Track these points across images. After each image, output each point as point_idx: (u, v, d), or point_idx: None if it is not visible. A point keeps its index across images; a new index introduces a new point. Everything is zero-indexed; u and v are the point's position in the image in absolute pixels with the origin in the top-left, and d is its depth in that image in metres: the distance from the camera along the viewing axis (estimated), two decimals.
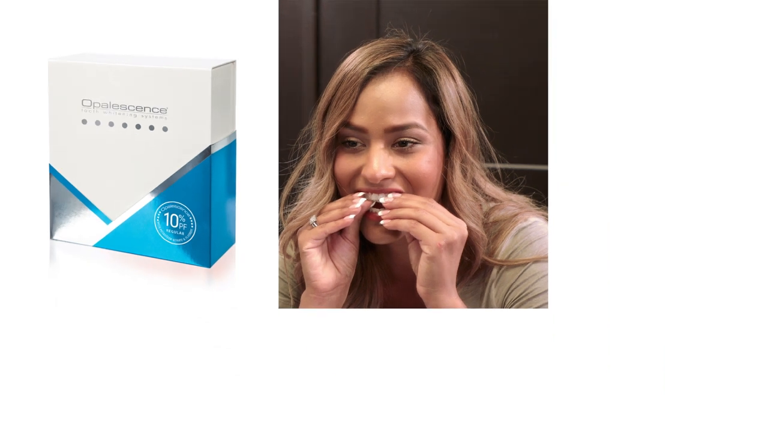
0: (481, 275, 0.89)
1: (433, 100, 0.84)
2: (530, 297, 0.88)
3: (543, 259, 0.88)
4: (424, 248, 0.83)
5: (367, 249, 0.91)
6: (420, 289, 0.85)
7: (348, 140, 0.84)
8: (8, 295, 1.01)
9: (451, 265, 0.85)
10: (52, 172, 1.11)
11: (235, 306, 0.99)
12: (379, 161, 0.82)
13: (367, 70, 0.82)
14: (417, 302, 0.90)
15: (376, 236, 0.87)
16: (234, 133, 1.09)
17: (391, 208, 0.86)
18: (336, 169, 0.85)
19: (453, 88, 0.85)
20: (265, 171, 1.16)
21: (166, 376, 0.91)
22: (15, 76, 1.28)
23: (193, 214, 1.05)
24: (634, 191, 1.19)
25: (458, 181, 0.85)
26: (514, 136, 0.97)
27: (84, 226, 1.11)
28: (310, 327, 0.95)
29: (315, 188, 0.88)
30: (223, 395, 0.89)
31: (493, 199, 0.91)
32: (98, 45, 1.21)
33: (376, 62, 0.83)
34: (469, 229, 0.85)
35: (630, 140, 1.22)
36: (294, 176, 0.90)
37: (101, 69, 1.06)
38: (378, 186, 0.84)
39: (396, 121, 0.82)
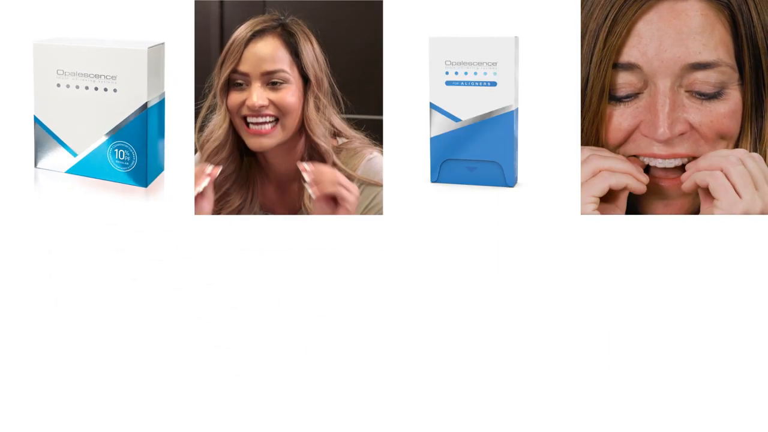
0: None
1: (295, 54, 1.00)
2: (378, 209, 1.04)
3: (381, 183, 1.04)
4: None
5: (250, 156, 1.04)
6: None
7: (236, 82, 1.00)
8: (3, 200, 1.11)
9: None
10: (36, 120, 1.21)
11: (234, 307, 0.97)
12: (257, 95, 0.99)
13: (250, 33, 1.00)
14: (285, 198, 1.05)
15: (254, 145, 1.02)
16: (163, 93, 1.19)
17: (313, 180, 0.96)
18: (228, 102, 1.00)
19: (309, 48, 1.01)
20: (184, 120, 1.22)
21: (115, 258, 0.99)
22: (7, 55, 1.36)
23: (134, 149, 1.15)
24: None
25: (311, 111, 1.01)
26: (357, 93, 1.09)
27: (58, 158, 1.21)
28: (215, 227, 1.01)
29: (216, 118, 1.02)
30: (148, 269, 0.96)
31: (341, 133, 1.05)
32: (67, 31, 1.32)
33: (257, 28, 1.00)
34: (319, 146, 1.01)
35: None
36: (203, 112, 1.05)
37: (71, 48, 1.17)
38: (257, 111, 0.99)
39: (268, 67, 0.99)
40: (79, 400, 0.93)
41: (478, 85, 1.21)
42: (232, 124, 1.02)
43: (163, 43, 1.19)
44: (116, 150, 1.17)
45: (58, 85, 1.19)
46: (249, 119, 1.01)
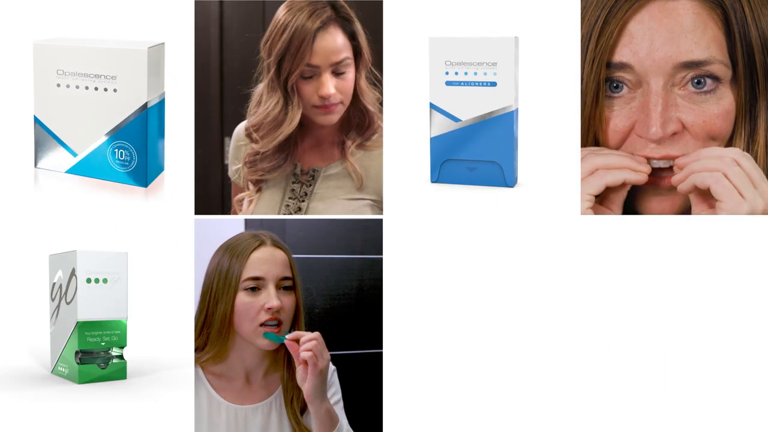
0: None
1: (351, 38, 1.04)
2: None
3: None
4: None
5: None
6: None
7: (305, 75, 1.03)
8: (3, 200, 1.15)
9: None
10: (36, 120, 1.22)
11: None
12: (330, 84, 1.03)
13: (313, 30, 1.02)
14: (315, 155, 1.07)
15: (323, 121, 1.05)
16: (163, 93, 1.19)
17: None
18: (301, 95, 1.04)
19: (358, 25, 1.05)
20: (184, 120, 1.23)
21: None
22: (7, 55, 1.36)
23: (134, 150, 1.16)
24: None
25: (363, 84, 1.05)
26: None
27: (58, 158, 1.21)
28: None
29: (282, 111, 1.04)
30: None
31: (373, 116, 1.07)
32: (67, 31, 1.31)
33: (317, 24, 1.02)
34: (368, 110, 1.05)
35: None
36: (256, 98, 1.06)
37: (71, 48, 1.17)
38: (329, 101, 1.03)
39: (336, 58, 1.03)
40: (78, 400, 0.93)
41: (478, 85, 1.21)
42: (291, 106, 1.05)
43: (163, 43, 1.19)
44: (116, 150, 1.17)
45: (58, 85, 1.19)
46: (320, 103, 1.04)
